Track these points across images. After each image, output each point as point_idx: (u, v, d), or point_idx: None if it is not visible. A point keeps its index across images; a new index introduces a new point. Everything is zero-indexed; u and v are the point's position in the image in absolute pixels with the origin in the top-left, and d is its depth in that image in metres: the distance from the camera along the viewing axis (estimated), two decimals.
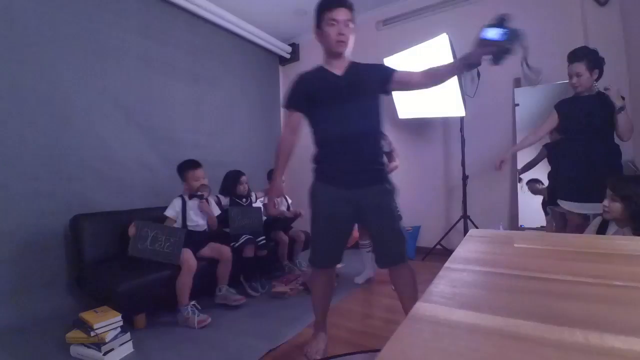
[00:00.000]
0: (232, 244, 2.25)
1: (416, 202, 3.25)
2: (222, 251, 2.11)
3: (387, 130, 3.45)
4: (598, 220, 1.65)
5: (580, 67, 1.80)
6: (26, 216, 1.96)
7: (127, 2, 2.56)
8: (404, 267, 1.40)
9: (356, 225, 1.84)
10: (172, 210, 2.12)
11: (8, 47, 1.92)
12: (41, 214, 2.02)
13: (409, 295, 1.40)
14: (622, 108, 1.73)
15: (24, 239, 1.94)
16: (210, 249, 2.13)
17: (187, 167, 2.16)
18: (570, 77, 1.86)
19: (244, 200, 2.57)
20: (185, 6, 2.93)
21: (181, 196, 2.18)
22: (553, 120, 1.96)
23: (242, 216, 2.38)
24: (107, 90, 2.41)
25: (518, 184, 2.75)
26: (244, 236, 2.31)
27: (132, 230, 1.86)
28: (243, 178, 2.56)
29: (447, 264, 0.46)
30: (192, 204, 2.15)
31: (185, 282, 1.86)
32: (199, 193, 2.13)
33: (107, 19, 2.42)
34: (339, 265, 2.68)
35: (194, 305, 1.85)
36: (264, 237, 2.44)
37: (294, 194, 3.19)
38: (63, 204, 2.11)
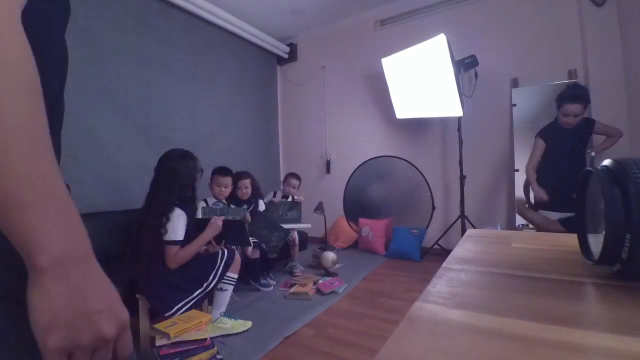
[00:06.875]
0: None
1: None
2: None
3: (385, 129, 3.48)
4: None
5: (580, 108, 1.96)
6: None
7: (124, 1, 2.54)
8: None
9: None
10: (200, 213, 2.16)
11: None
12: None
13: None
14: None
15: None
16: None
17: (216, 172, 2.24)
18: (567, 115, 2.00)
19: (244, 206, 2.53)
20: (183, 6, 2.92)
21: (205, 200, 2.19)
22: (541, 146, 2.19)
23: (265, 225, 2.39)
24: (105, 90, 2.40)
25: (515, 172, 2.75)
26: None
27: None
28: (241, 183, 2.43)
29: (445, 264, 0.46)
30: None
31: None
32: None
33: (104, 19, 2.40)
34: (337, 265, 2.70)
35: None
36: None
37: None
38: None
